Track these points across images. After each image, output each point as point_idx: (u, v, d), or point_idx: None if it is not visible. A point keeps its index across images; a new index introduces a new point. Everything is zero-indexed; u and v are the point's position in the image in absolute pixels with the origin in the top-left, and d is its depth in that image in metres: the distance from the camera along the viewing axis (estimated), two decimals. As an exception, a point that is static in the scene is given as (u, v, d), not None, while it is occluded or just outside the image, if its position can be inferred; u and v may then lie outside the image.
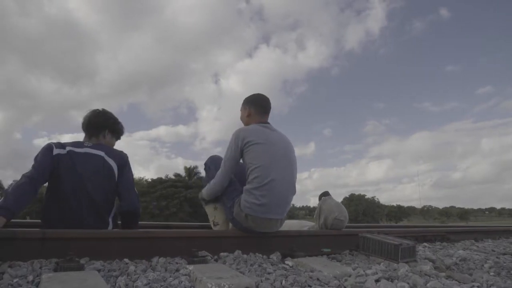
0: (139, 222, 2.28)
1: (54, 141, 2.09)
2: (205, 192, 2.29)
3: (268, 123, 2.27)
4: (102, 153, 2.09)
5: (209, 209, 2.37)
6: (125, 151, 2.20)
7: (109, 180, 2.06)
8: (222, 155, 2.21)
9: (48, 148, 2.01)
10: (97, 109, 2.28)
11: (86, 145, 2.11)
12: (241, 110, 2.35)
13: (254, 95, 2.35)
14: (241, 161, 2.16)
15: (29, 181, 1.82)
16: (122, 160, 2.14)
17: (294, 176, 2.19)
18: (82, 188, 1.95)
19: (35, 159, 1.95)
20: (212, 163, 2.37)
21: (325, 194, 2.78)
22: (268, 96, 2.33)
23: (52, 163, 1.96)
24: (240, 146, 2.08)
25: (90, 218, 1.95)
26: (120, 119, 2.32)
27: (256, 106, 2.27)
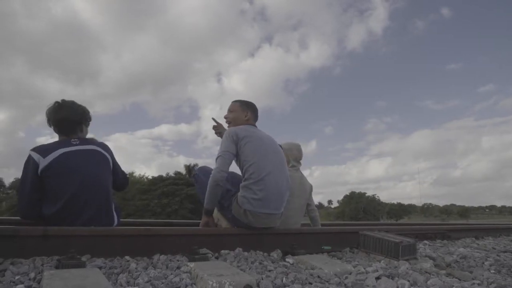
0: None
1: (39, 144, 1.98)
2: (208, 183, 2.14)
3: (256, 126, 2.44)
4: (94, 147, 2.06)
5: None
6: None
7: (109, 172, 2.08)
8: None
9: (32, 167, 1.87)
10: (60, 105, 2.07)
11: (73, 142, 2.00)
12: (237, 111, 2.42)
13: (251, 102, 2.49)
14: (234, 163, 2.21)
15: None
16: (110, 150, 2.16)
17: (286, 171, 2.30)
18: (83, 186, 1.91)
19: (23, 180, 1.89)
20: (201, 172, 2.47)
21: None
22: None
23: (37, 180, 1.88)
24: (235, 141, 2.16)
25: (97, 215, 1.92)
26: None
27: (254, 113, 2.47)
